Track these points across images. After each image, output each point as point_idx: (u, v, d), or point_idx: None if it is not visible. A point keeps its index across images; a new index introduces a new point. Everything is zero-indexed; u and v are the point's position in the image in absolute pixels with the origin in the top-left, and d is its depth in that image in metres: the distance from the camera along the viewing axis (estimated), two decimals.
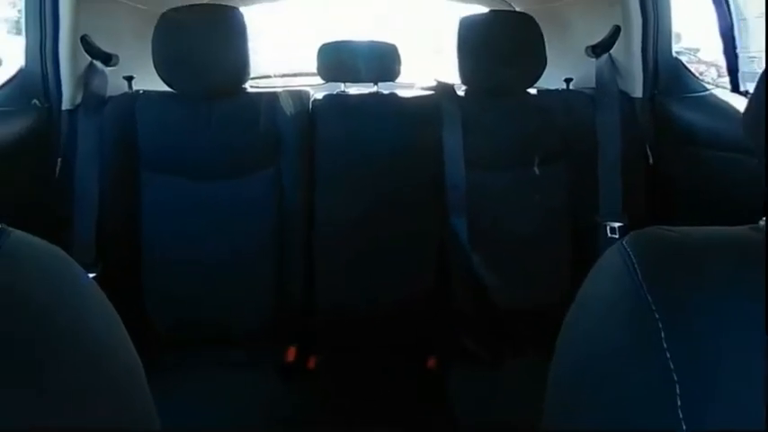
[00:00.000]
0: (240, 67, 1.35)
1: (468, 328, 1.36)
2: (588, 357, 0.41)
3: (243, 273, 1.36)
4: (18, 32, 1.43)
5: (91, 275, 0.87)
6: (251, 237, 1.37)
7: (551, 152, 1.43)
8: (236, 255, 1.36)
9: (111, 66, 1.45)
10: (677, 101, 1.42)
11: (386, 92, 1.56)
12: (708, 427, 0.33)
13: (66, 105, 1.40)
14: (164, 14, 1.33)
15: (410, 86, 1.84)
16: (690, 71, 1.46)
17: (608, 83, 1.45)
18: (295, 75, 2.33)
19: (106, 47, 1.44)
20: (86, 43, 1.40)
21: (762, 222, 0.42)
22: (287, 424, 1.15)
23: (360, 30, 2.65)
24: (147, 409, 0.41)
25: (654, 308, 0.36)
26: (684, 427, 0.33)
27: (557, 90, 1.56)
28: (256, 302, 1.37)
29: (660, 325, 0.36)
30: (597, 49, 1.50)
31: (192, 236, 1.36)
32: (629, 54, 1.49)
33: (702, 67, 2.03)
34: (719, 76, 1.46)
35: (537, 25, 1.41)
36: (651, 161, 1.47)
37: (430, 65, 2.49)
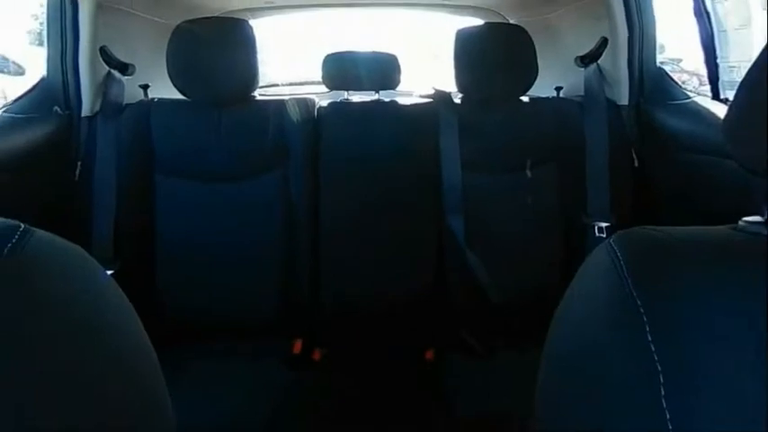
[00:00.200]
0: (249, 76, 1.35)
1: (464, 322, 1.36)
2: (577, 350, 0.41)
3: (252, 270, 1.36)
4: (40, 43, 1.44)
5: (109, 272, 0.87)
6: (259, 235, 1.37)
7: (542, 156, 1.43)
8: (246, 253, 1.36)
9: (127, 75, 1.45)
10: (661, 108, 1.42)
11: (387, 99, 1.56)
12: (691, 417, 0.33)
13: (85, 112, 1.40)
14: (177, 27, 1.33)
15: (409, 94, 1.84)
16: (673, 80, 1.46)
17: (596, 91, 1.45)
18: (301, 83, 2.33)
19: (123, 57, 1.44)
20: (105, 54, 1.41)
21: (741, 222, 0.42)
22: (293, 411, 1.15)
23: (362, 39, 2.66)
24: (162, 396, 0.41)
25: (639, 303, 0.36)
26: (668, 416, 0.33)
27: (548, 98, 1.56)
28: (265, 298, 1.36)
29: (645, 319, 0.35)
30: (585, 60, 1.50)
31: (204, 234, 1.36)
32: (616, 64, 1.49)
33: (685, 76, 2.03)
34: (701, 84, 1.45)
35: (529, 37, 1.41)
36: (637, 164, 1.47)
37: (428, 70, 2.49)
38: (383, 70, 1.60)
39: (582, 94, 1.49)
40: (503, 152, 1.42)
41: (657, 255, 0.39)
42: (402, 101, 1.57)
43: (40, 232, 0.35)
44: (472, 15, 2.07)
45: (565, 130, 1.43)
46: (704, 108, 1.31)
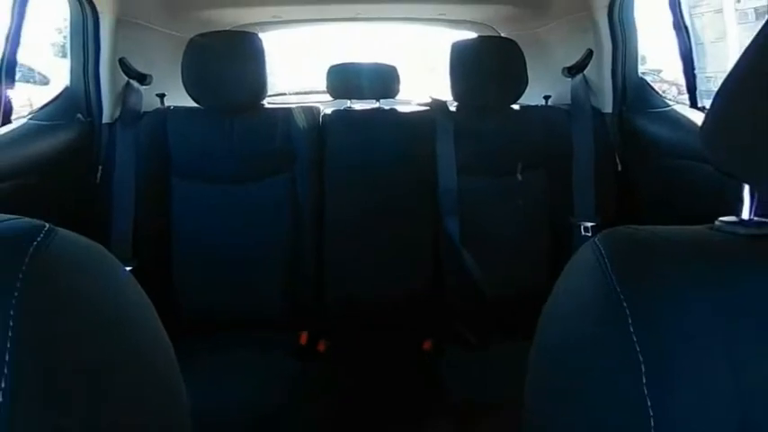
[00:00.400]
0: (259, 86, 1.35)
1: (459, 315, 1.36)
2: (564, 343, 0.41)
3: (261, 266, 1.36)
4: (63, 55, 1.44)
5: (127, 269, 0.87)
6: (268, 234, 1.37)
7: (532, 161, 1.43)
8: (256, 250, 1.36)
9: (145, 84, 1.45)
10: (643, 115, 1.42)
11: (387, 107, 1.56)
12: (671, 404, 0.33)
13: (106, 119, 1.40)
14: (192, 40, 1.33)
15: (408, 103, 1.84)
16: (654, 89, 1.46)
17: (582, 100, 1.44)
18: (307, 92, 2.33)
19: (141, 68, 1.44)
20: (124, 65, 1.41)
21: (717, 222, 0.42)
22: (299, 398, 1.15)
23: (363, 51, 2.66)
24: (177, 384, 0.41)
25: (622, 297, 0.36)
26: (650, 403, 0.33)
27: (537, 106, 1.56)
28: (273, 294, 1.36)
29: (627, 312, 0.36)
30: (572, 70, 1.50)
31: (216, 233, 1.36)
32: (601, 74, 1.49)
33: (665, 86, 2.03)
34: (680, 93, 1.45)
35: (519, 49, 1.41)
36: (620, 168, 1.47)
37: (425, 80, 2.49)
38: (384, 80, 1.60)
39: (569, 102, 1.48)
40: (495, 157, 1.42)
41: (639, 252, 0.39)
42: (401, 109, 1.57)
43: (63, 231, 0.35)
44: (467, 29, 2.07)
45: (553, 136, 1.43)
46: (683, 116, 1.31)
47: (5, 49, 1.19)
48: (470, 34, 1.95)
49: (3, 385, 0.27)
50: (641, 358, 0.34)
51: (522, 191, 1.42)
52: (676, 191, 1.27)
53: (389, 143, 1.44)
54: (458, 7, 1.88)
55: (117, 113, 1.40)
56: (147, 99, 1.45)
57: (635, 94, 1.46)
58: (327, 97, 1.66)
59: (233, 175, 1.37)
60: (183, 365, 0.42)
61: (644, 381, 0.34)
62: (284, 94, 2.39)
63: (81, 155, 1.35)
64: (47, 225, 0.34)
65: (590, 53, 1.48)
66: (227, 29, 1.82)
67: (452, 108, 1.47)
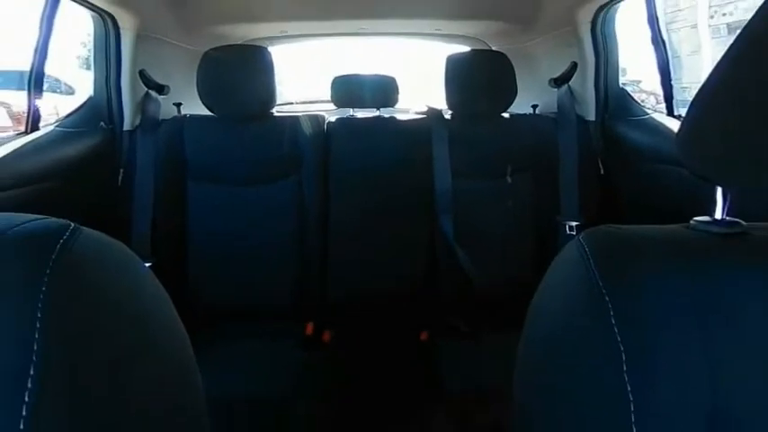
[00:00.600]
0: (268, 96, 1.35)
1: (454, 308, 1.36)
2: (549, 335, 0.41)
3: (270, 262, 1.36)
4: (87, 67, 1.44)
5: (147, 265, 0.87)
6: (277, 233, 1.37)
7: (521, 165, 1.43)
8: (265, 248, 1.36)
9: (163, 94, 1.45)
10: (623, 123, 1.42)
11: (387, 116, 1.56)
12: (650, 391, 0.33)
13: (126, 127, 1.40)
14: (206, 53, 1.33)
15: (406, 111, 1.84)
16: (633, 99, 1.46)
17: (567, 108, 1.44)
18: (313, 102, 2.34)
19: (159, 79, 1.45)
20: (143, 76, 1.41)
21: (692, 222, 0.42)
22: (306, 384, 1.15)
23: (365, 63, 2.66)
24: (193, 372, 0.41)
25: (604, 292, 0.36)
26: (630, 389, 0.33)
27: (525, 114, 1.56)
28: (281, 287, 1.36)
29: (609, 306, 0.36)
30: (558, 81, 1.50)
31: (229, 232, 1.36)
32: (584, 85, 1.49)
33: (644, 96, 2.03)
34: (658, 102, 1.45)
35: (509, 62, 1.41)
36: (602, 172, 1.47)
37: (421, 90, 2.49)
38: (384, 90, 1.61)
39: (555, 111, 1.48)
40: (487, 161, 1.42)
41: (620, 249, 0.39)
42: (400, 117, 1.57)
43: (87, 230, 0.35)
44: (460, 43, 2.07)
45: (540, 142, 1.43)
46: (660, 123, 1.31)
47: (34, 61, 1.20)
48: (464, 48, 1.95)
49: (31, 372, 0.27)
50: (622, 348, 0.34)
51: (512, 193, 1.42)
52: (654, 193, 1.27)
53: (389, 149, 1.44)
54: (452, 23, 1.89)
55: (137, 121, 1.41)
56: (165, 108, 1.45)
57: (616, 103, 1.46)
58: (332, 106, 1.66)
59: (245, 178, 1.37)
60: (197, 354, 0.42)
61: (625, 369, 0.34)
62: (292, 103, 2.39)
63: (104, 160, 1.35)
64: (72, 224, 0.34)
65: (574, 65, 1.49)
66: (239, 43, 1.82)
67: (447, 116, 1.48)
